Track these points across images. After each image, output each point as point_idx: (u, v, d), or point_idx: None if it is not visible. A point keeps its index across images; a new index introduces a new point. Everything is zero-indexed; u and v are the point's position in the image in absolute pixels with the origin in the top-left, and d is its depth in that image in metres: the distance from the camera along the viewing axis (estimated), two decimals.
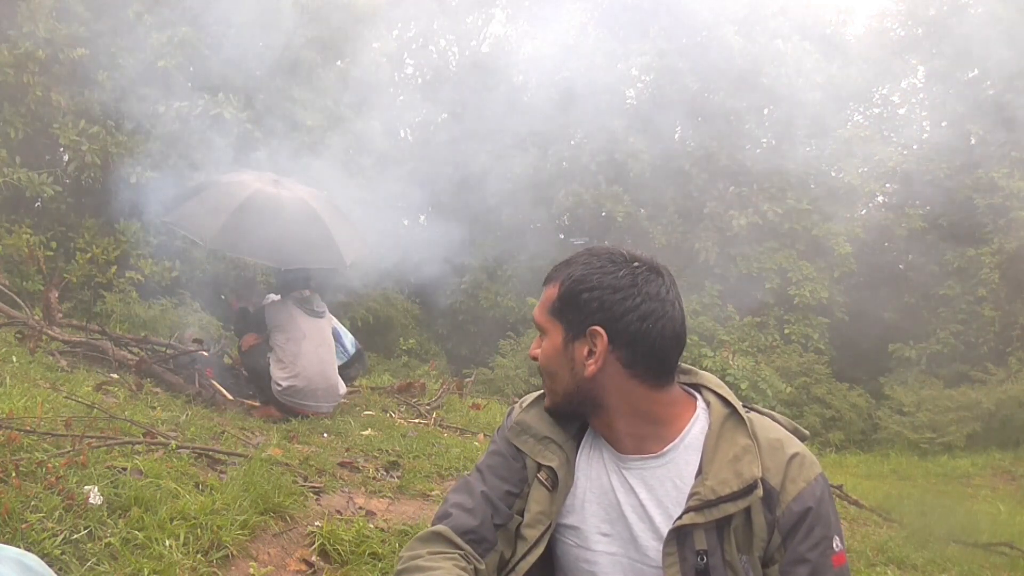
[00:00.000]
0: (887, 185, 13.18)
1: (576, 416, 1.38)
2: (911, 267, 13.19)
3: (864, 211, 13.43)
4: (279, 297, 5.29)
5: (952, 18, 13.08)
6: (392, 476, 4.08)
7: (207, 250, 8.50)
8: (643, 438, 1.32)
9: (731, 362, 9.89)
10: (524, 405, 1.45)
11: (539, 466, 1.38)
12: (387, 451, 4.45)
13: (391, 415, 5.69)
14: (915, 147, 13.56)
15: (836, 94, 12.94)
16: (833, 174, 12.81)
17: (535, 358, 1.40)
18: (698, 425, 1.32)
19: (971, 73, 13.15)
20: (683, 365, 1.39)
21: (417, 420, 5.68)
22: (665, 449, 1.31)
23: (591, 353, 1.29)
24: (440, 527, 1.32)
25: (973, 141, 12.89)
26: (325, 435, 4.67)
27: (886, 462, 8.89)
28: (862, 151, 12.46)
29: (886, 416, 10.34)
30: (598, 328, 1.28)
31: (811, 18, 13.50)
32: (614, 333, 1.27)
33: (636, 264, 1.30)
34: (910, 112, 14.52)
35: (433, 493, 3.82)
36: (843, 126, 13.30)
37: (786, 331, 11.83)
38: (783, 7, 13.24)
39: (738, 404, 1.33)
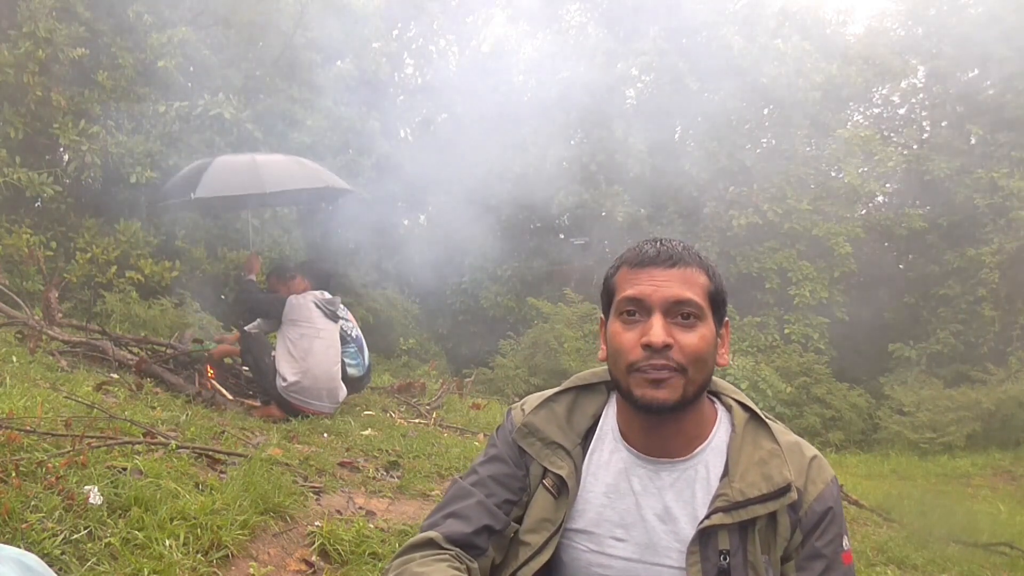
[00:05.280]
0: (887, 185, 13.18)
1: (683, 408, 1.26)
2: (911, 267, 13.20)
3: (864, 211, 13.44)
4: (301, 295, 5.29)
5: (952, 18, 13.08)
6: (392, 476, 4.08)
7: (205, 253, 8.52)
8: (683, 440, 1.33)
9: (731, 362, 9.90)
10: (528, 408, 1.42)
11: (544, 472, 1.36)
12: (387, 451, 4.45)
13: (391, 415, 5.69)
14: (915, 147, 13.57)
15: (836, 94, 12.94)
16: (833, 174, 12.82)
17: (666, 344, 1.22)
18: (722, 428, 1.35)
19: (971, 73, 13.15)
20: None
21: (417, 420, 5.69)
22: (695, 452, 1.32)
23: (723, 344, 1.34)
24: (431, 533, 1.30)
25: (973, 141, 12.89)
26: (325, 435, 4.67)
27: (886, 462, 8.89)
28: (862, 151, 12.46)
29: (886, 416, 10.34)
30: (728, 320, 1.35)
31: (811, 18, 13.50)
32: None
33: None
34: (910, 112, 14.53)
35: (433, 493, 3.82)
36: (843, 126, 13.30)
37: (786, 331, 11.83)
38: (783, 7, 13.24)
39: (758, 409, 1.36)
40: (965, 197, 11.99)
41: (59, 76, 7.51)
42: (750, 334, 11.60)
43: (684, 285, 1.25)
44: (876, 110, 14.68)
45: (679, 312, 1.25)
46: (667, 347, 1.22)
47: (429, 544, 1.28)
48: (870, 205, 13.73)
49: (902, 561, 4.36)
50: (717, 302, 1.30)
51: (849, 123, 13.86)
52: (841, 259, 12.07)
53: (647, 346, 1.23)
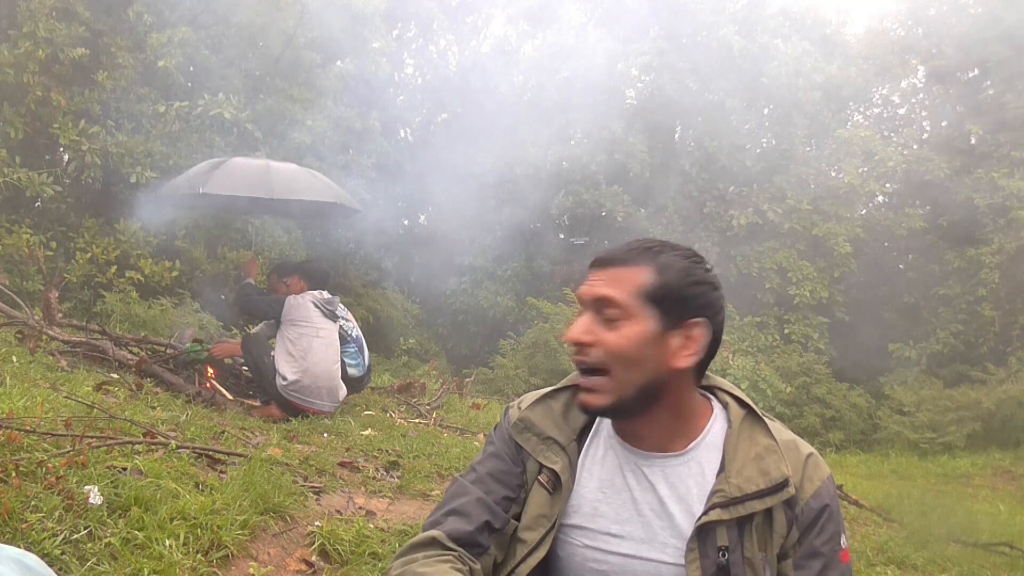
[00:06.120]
0: (887, 185, 13.20)
1: (629, 411, 1.30)
2: (911, 267, 13.20)
3: (864, 211, 13.44)
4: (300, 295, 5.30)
5: (952, 18, 13.09)
6: (392, 476, 4.08)
7: (205, 253, 8.51)
8: (672, 436, 1.33)
9: (731, 362, 9.89)
10: (525, 404, 1.43)
11: (540, 468, 1.36)
12: (387, 451, 4.45)
13: (391, 415, 5.69)
14: (915, 147, 13.57)
15: (836, 94, 12.95)
16: (833, 174, 12.82)
17: (585, 343, 1.27)
18: (718, 424, 1.35)
19: (971, 73, 13.16)
20: None
21: (417, 420, 5.69)
22: (688, 447, 1.32)
23: (686, 345, 1.29)
24: (434, 532, 1.30)
25: (973, 141, 12.90)
26: (325, 435, 4.67)
27: (886, 462, 8.89)
28: (862, 151, 12.47)
29: (886, 416, 10.34)
30: (703, 321, 1.29)
31: (811, 18, 13.51)
32: (714, 328, 1.31)
33: (709, 264, 1.38)
34: (910, 112, 14.54)
35: (433, 493, 3.82)
36: (843, 126, 13.31)
37: (786, 331, 11.83)
38: (783, 7, 13.26)
39: (754, 406, 1.36)
40: (965, 197, 11.99)
41: (59, 76, 7.50)
42: (750, 334, 11.60)
43: (610, 284, 1.28)
44: (876, 110, 14.70)
45: (601, 310, 1.28)
46: (581, 344, 1.27)
47: (432, 543, 1.28)
48: (870, 205, 13.74)
49: (902, 561, 4.36)
50: (660, 299, 1.27)
51: (849, 123, 13.87)
52: (841, 259, 12.08)
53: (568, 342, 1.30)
